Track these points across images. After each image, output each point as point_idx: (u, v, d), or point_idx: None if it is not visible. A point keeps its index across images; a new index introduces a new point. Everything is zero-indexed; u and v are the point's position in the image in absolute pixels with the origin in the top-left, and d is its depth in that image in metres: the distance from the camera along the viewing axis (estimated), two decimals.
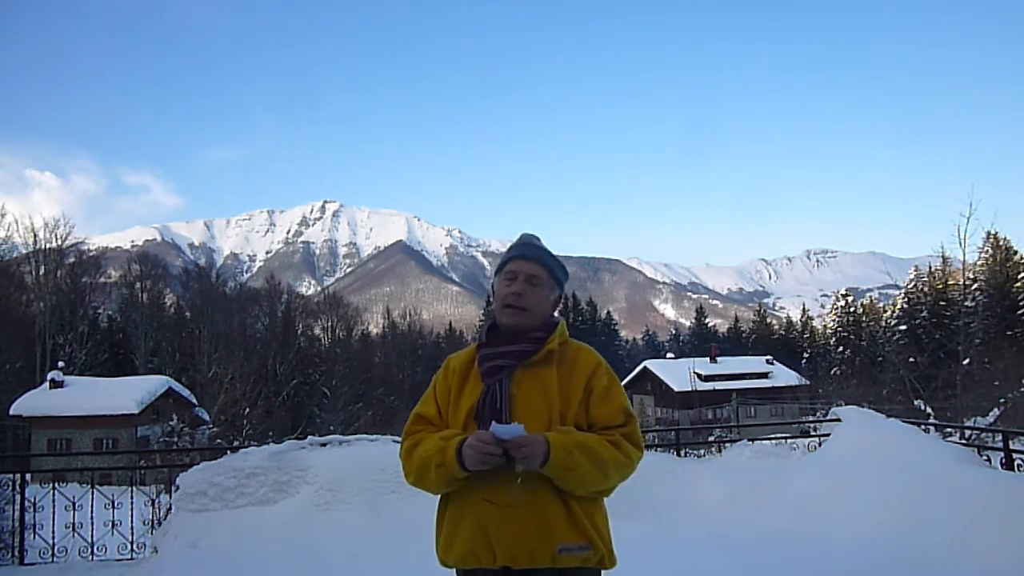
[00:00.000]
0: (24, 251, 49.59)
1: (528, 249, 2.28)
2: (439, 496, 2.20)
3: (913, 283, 56.49)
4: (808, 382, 52.38)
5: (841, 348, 61.51)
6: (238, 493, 5.90)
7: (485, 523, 2.04)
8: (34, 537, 6.58)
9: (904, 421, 7.95)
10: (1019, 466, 6.52)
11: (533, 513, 2.02)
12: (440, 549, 2.16)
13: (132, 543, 6.44)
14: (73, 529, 6.49)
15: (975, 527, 4.93)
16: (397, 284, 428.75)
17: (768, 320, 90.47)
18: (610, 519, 2.19)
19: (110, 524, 6.55)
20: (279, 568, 5.24)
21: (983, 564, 4.60)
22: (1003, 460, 6.66)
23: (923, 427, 8.65)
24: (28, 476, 7.30)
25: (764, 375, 54.47)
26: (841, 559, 5.01)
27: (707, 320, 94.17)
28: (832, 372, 53.36)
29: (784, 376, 54.18)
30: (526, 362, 2.16)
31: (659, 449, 10.45)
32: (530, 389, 2.13)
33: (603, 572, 2.15)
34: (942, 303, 48.69)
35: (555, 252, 2.31)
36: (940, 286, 50.53)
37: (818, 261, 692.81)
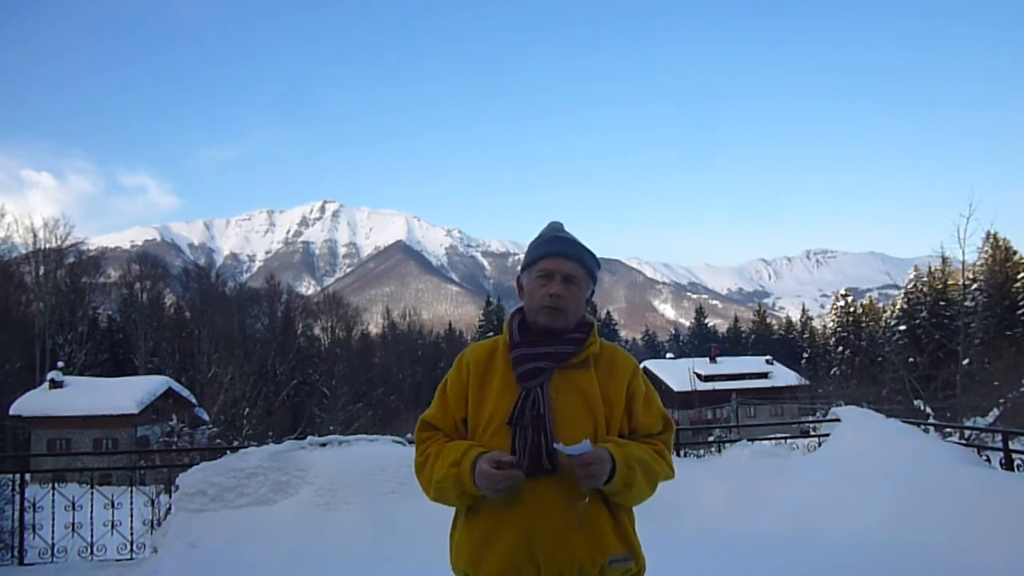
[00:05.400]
0: (24, 251, 49.67)
1: (565, 246, 2.09)
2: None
3: (913, 283, 56.34)
4: (808, 382, 52.38)
5: (841, 348, 61.40)
6: (238, 493, 5.90)
7: (529, 536, 1.89)
8: (34, 537, 6.57)
9: (904, 421, 7.95)
10: (1019, 466, 6.52)
11: (585, 526, 1.91)
12: (463, 561, 1.99)
13: (132, 543, 6.42)
14: (73, 529, 6.48)
15: (975, 527, 4.93)
16: (397, 284, 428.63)
17: (768, 320, 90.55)
18: None
19: (110, 524, 6.54)
20: (279, 568, 5.24)
21: (983, 563, 4.60)
22: (1003, 460, 6.65)
23: (923, 427, 8.64)
24: (28, 476, 7.30)
25: (764, 375, 54.53)
26: (841, 559, 5.01)
27: (707, 320, 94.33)
28: (832, 372, 53.31)
29: (784, 376, 54.23)
30: (563, 364, 2.01)
31: None
32: (570, 394, 1.99)
33: None
34: (942, 303, 48.59)
35: None
36: (940, 286, 50.40)
37: (818, 261, 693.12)
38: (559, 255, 2.07)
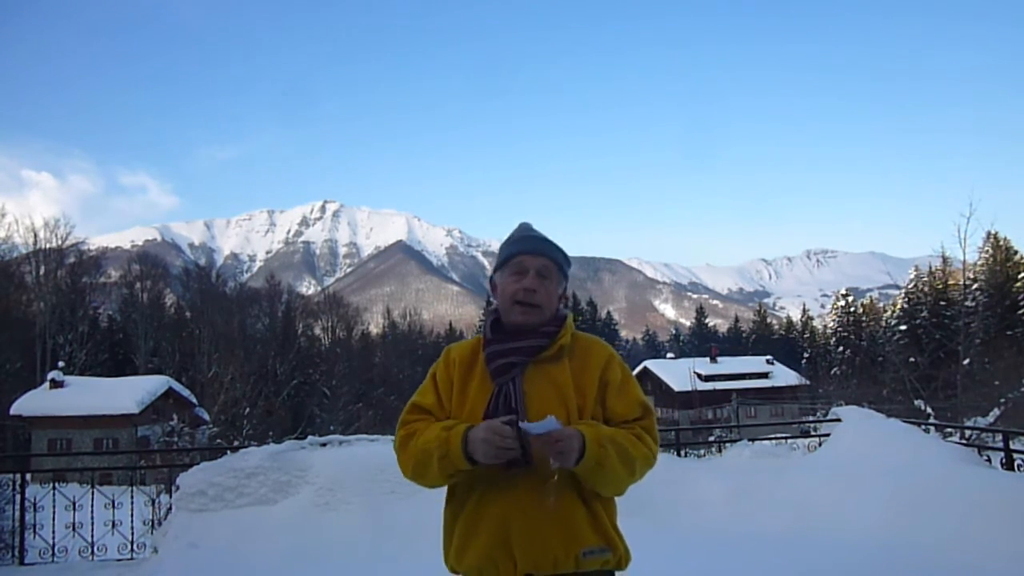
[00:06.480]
0: (24, 251, 49.65)
1: (536, 243, 2.15)
2: (446, 500, 2.08)
3: (913, 283, 56.32)
4: (808, 382, 52.41)
5: (841, 348, 61.38)
6: (238, 493, 5.90)
7: (506, 529, 1.93)
8: (34, 537, 6.57)
9: (904, 421, 7.95)
10: (1019, 466, 6.52)
11: (557, 517, 1.93)
12: (451, 556, 2.03)
13: (132, 543, 6.42)
14: (73, 529, 6.48)
15: (975, 527, 4.93)
16: (397, 284, 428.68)
17: (768, 320, 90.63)
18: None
19: (110, 524, 6.54)
20: (279, 568, 5.24)
21: (983, 563, 4.60)
22: (1003, 460, 6.66)
23: (923, 427, 8.65)
24: (28, 476, 7.31)
25: (764, 375, 54.52)
26: (841, 559, 5.00)
27: (707, 320, 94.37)
28: (832, 372, 53.32)
29: (784, 376, 54.23)
30: (537, 358, 2.05)
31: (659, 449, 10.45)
32: (543, 386, 2.02)
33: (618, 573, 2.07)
34: (942, 303, 48.59)
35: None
36: (940, 286, 50.40)
37: (818, 261, 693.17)
38: (530, 251, 2.13)
